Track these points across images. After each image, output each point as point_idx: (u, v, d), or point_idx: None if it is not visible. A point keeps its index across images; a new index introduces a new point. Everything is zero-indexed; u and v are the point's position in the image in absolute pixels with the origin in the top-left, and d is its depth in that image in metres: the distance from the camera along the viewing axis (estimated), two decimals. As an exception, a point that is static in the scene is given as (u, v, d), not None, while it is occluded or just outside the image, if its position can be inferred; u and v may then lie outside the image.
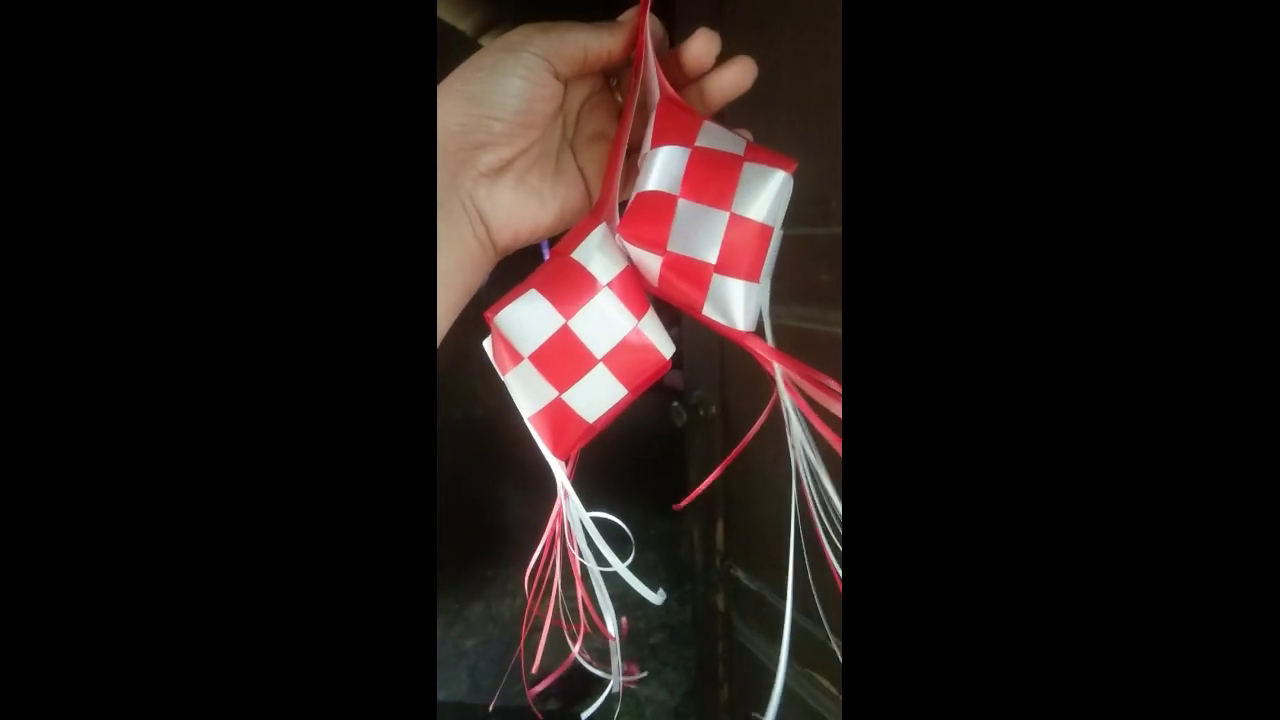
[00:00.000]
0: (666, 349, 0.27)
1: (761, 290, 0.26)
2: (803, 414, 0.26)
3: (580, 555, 0.28)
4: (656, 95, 0.27)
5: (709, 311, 0.26)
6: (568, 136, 0.29)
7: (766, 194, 0.25)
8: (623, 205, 0.27)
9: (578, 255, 0.26)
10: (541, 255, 0.29)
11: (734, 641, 1.07)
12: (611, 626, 0.30)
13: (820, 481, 0.27)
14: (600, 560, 0.28)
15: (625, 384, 0.27)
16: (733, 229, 0.25)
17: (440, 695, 1.63)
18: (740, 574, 1.00)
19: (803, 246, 0.71)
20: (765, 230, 0.25)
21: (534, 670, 0.32)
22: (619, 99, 0.31)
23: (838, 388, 0.24)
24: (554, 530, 0.29)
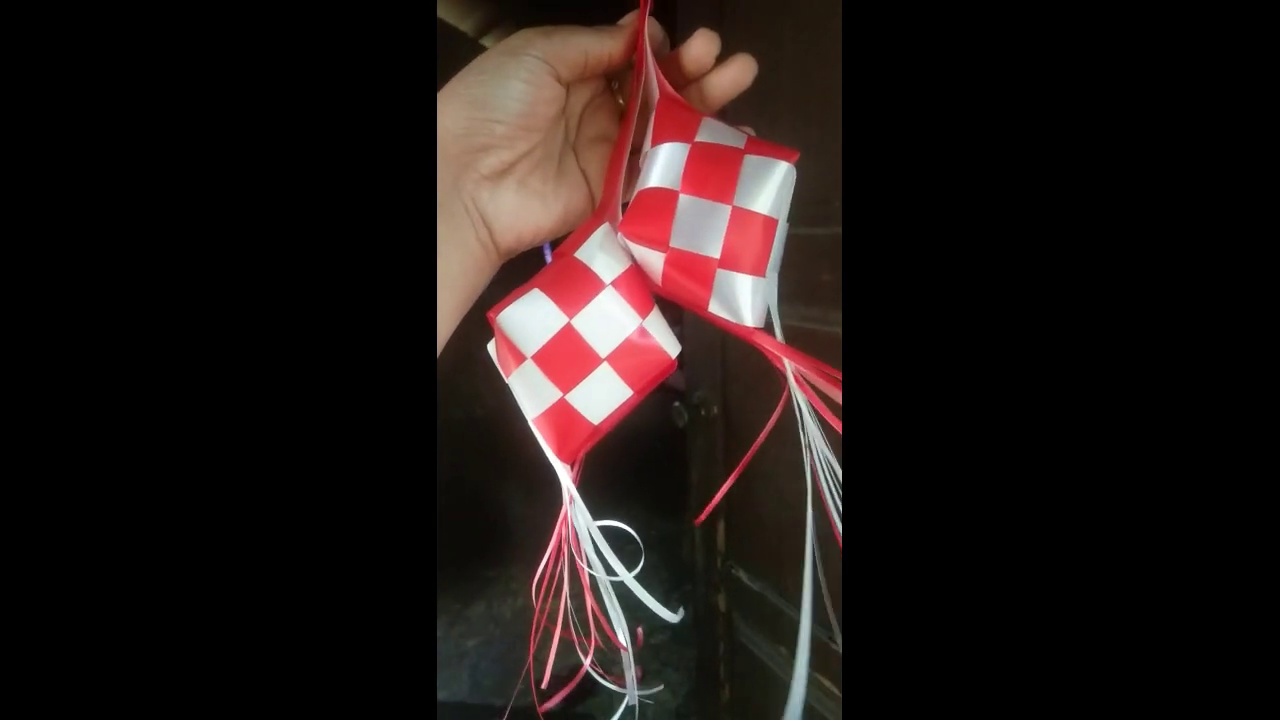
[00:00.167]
0: (672, 348, 0.26)
1: (768, 285, 0.26)
2: (816, 410, 0.25)
3: (588, 565, 0.28)
4: (657, 96, 0.27)
5: (715, 308, 0.26)
6: (570, 139, 0.29)
7: (770, 186, 0.25)
8: (626, 206, 0.27)
9: (581, 255, 0.26)
10: (544, 258, 0.28)
11: (735, 642, 1.06)
12: (623, 637, 0.29)
13: (838, 479, 0.26)
14: (608, 570, 0.28)
15: (630, 384, 0.26)
16: (736, 222, 0.25)
17: (441, 695, 1.63)
18: (742, 574, 1.00)
19: (804, 246, 0.71)
20: (770, 223, 0.25)
21: (544, 685, 0.32)
22: (621, 101, 0.31)
23: None
24: (560, 537, 0.28)
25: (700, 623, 1.13)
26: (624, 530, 0.29)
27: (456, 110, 0.25)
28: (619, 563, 0.27)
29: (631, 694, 0.32)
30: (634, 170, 0.28)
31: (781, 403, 0.27)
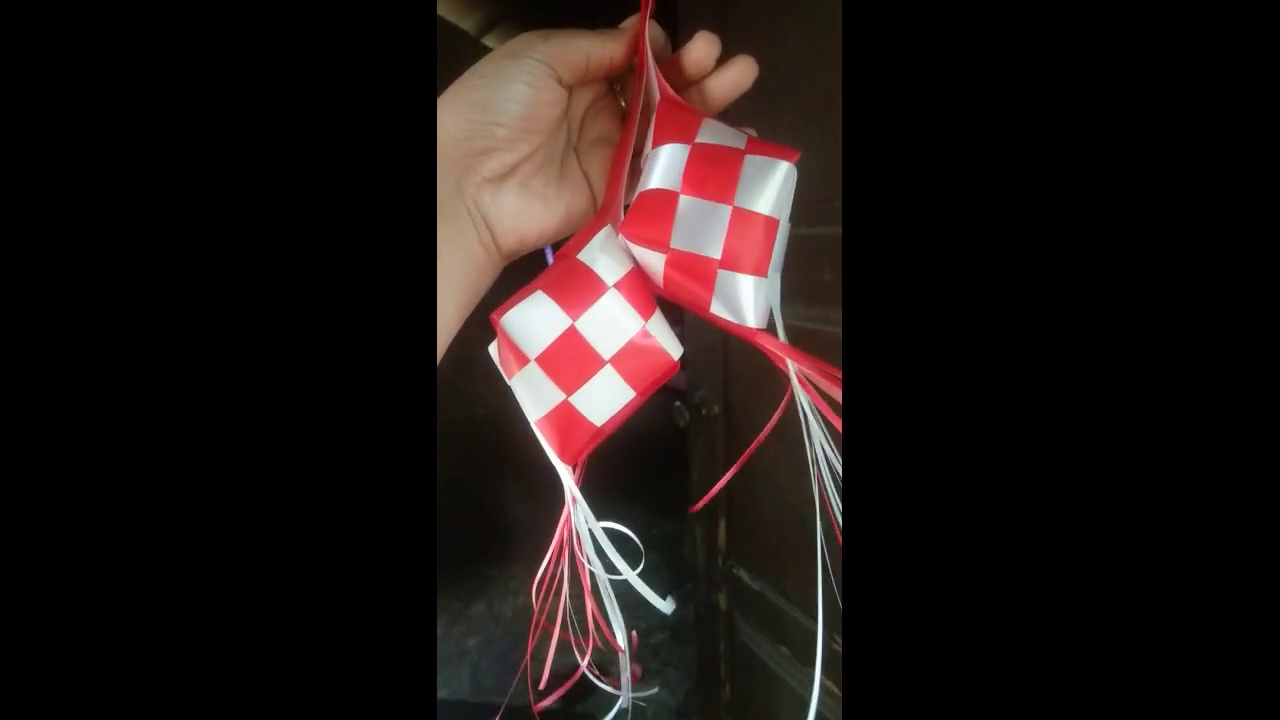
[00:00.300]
0: (675, 350, 0.26)
1: (771, 285, 0.26)
2: (820, 411, 0.25)
3: (589, 563, 0.28)
4: (658, 99, 0.27)
5: (717, 309, 0.26)
6: (572, 141, 0.29)
7: (770, 186, 0.25)
8: (628, 209, 0.27)
9: (583, 257, 0.26)
10: (546, 260, 0.28)
11: (736, 641, 1.07)
12: (621, 640, 0.29)
13: (840, 479, 0.26)
14: (610, 569, 0.28)
15: (633, 386, 0.26)
16: (736, 223, 0.25)
17: (442, 693, 1.64)
18: (742, 573, 1.00)
19: (805, 246, 0.71)
20: (771, 223, 0.25)
21: (542, 685, 0.32)
22: (623, 104, 0.31)
23: None
24: (562, 538, 0.28)
25: (701, 622, 1.13)
26: (624, 534, 0.29)
27: (458, 113, 0.25)
28: (622, 561, 0.27)
29: (626, 696, 0.32)
30: (636, 172, 0.28)
31: (783, 403, 0.26)
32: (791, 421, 0.27)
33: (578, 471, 0.28)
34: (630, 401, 0.27)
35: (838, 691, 0.81)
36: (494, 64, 0.25)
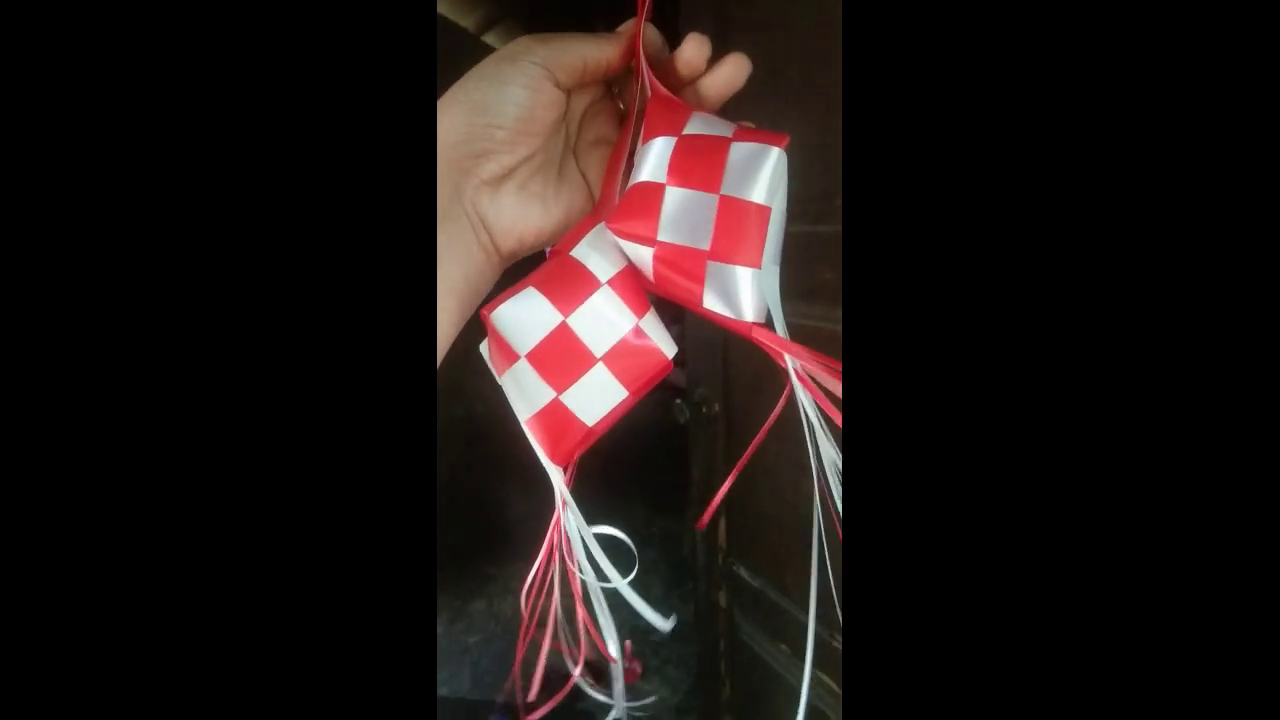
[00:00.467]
0: (669, 349, 0.26)
1: (768, 277, 0.25)
2: (820, 407, 0.24)
3: (580, 570, 0.27)
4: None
5: (710, 303, 0.24)
6: (570, 144, 0.29)
7: (761, 173, 0.24)
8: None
9: (576, 253, 0.26)
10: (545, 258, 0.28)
11: (736, 639, 1.07)
12: (613, 649, 0.29)
13: (840, 476, 0.25)
14: (601, 576, 0.27)
15: (626, 385, 0.26)
16: (725, 212, 0.24)
17: (443, 691, 1.64)
18: (742, 571, 1.00)
19: (805, 244, 0.71)
20: (762, 211, 0.24)
21: (531, 696, 0.31)
22: (621, 106, 0.31)
23: None
24: (552, 543, 0.27)
25: (701, 619, 1.13)
26: (619, 538, 0.29)
27: (456, 116, 0.25)
28: (613, 569, 0.27)
29: (620, 707, 0.32)
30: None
31: (783, 399, 0.26)
32: (792, 418, 0.26)
33: (568, 473, 0.27)
34: (623, 401, 0.26)
35: (837, 689, 0.81)
36: (492, 67, 0.25)
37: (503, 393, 0.27)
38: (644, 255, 0.25)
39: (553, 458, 0.27)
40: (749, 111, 0.30)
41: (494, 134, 0.25)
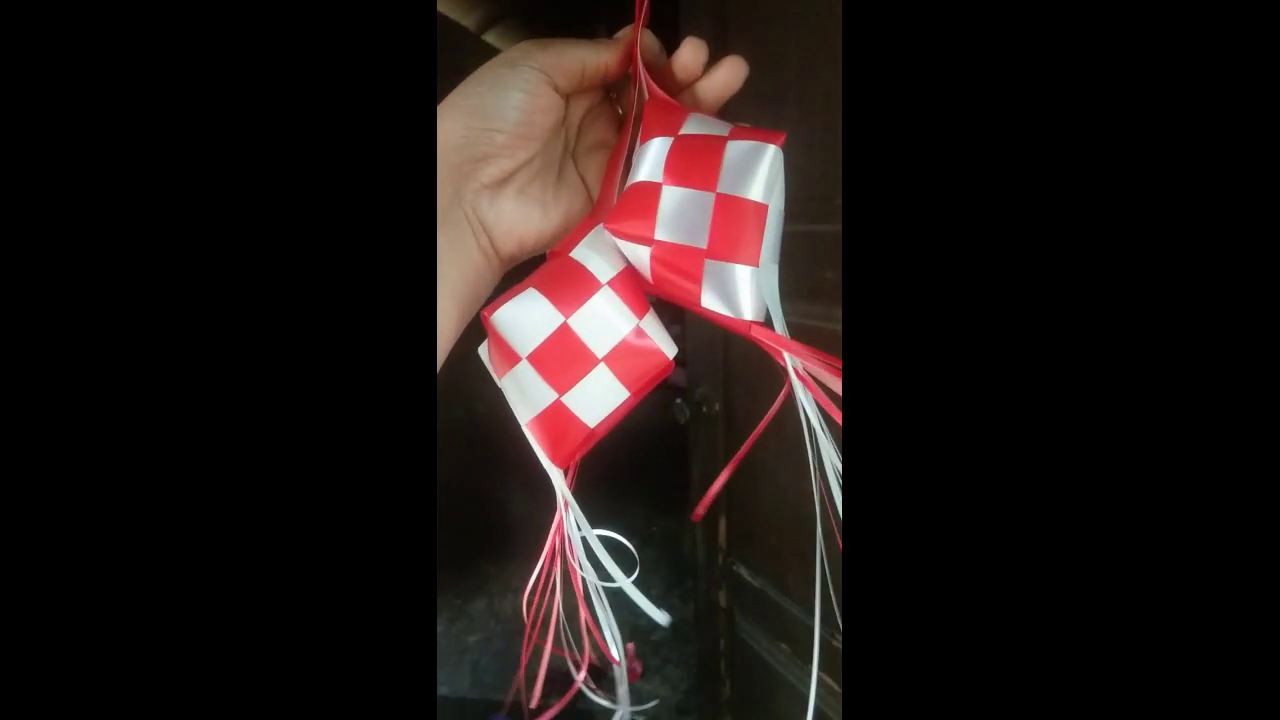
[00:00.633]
0: (669, 349, 0.26)
1: (766, 275, 0.25)
2: (820, 405, 0.24)
3: (581, 571, 0.27)
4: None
5: (708, 302, 0.24)
6: (570, 148, 0.30)
7: (757, 171, 0.24)
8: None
9: (576, 255, 0.26)
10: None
11: (736, 638, 1.07)
12: (616, 651, 0.29)
13: (839, 475, 0.25)
14: (604, 576, 0.27)
15: (627, 386, 0.26)
16: (721, 210, 0.24)
17: (443, 690, 1.64)
18: (743, 570, 1.00)
19: (806, 243, 0.71)
20: (760, 208, 0.24)
21: (533, 703, 0.31)
22: (620, 110, 0.31)
23: None
24: (554, 545, 0.27)
25: (701, 619, 1.13)
26: (619, 540, 0.29)
27: (456, 121, 0.25)
28: (615, 567, 0.27)
29: (623, 710, 0.32)
30: None
31: (781, 396, 0.26)
32: (791, 417, 0.26)
33: (570, 475, 0.27)
34: (624, 402, 0.26)
35: (838, 688, 0.81)
36: (492, 72, 0.25)
37: (503, 392, 0.27)
38: (641, 255, 0.25)
39: (554, 460, 0.27)
40: (749, 110, 0.30)
41: (494, 138, 0.25)
